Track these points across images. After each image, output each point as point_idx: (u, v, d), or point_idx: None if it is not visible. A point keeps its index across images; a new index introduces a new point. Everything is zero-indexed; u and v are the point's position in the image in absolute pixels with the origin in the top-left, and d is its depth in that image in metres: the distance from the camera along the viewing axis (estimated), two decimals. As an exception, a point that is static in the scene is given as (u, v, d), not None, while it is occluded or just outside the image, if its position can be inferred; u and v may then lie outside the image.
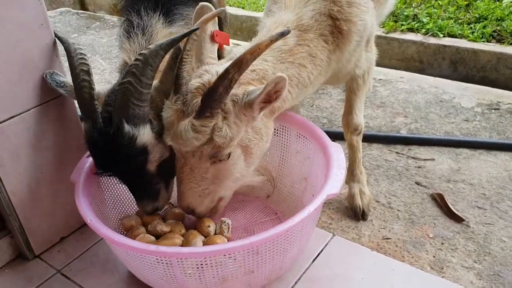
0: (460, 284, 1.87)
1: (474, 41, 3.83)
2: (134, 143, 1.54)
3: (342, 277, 1.69)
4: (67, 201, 1.99)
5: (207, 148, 1.47)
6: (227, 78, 1.37)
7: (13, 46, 1.68)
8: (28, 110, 1.78)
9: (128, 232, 1.81)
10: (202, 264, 1.47)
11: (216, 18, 1.68)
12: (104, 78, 4.17)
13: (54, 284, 1.84)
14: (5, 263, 1.95)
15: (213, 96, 1.40)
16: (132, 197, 2.06)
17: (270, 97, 1.45)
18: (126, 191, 2.05)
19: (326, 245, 1.83)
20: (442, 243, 2.13)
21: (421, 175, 2.58)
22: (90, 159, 1.87)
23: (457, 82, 3.48)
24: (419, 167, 2.64)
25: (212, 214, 1.74)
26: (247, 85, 1.53)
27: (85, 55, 1.63)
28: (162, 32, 1.83)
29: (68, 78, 1.74)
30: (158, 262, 1.47)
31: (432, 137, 2.84)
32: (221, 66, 1.54)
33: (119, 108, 1.52)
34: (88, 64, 1.62)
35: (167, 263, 1.47)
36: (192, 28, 1.52)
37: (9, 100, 1.72)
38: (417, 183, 2.52)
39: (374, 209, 2.36)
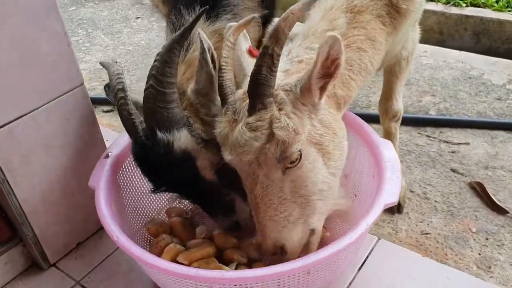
0: (516, 288, 1.73)
1: (499, 10, 3.61)
2: (171, 149, 1.40)
3: (394, 288, 1.54)
4: (84, 204, 1.81)
5: (271, 148, 1.24)
6: (267, 55, 1.18)
7: (20, 36, 1.46)
8: (38, 108, 1.58)
9: (154, 241, 1.64)
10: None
11: (246, 33, 1.52)
12: (108, 55, 3.92)
13: (74, 298, 1.68)
14: (17, 273, 1.78)
15: (259, 81, 1.20)
16: (153, 198, 1.91)
17: (328, 68, 1.23)
18: (146, 194, 1.87)
19: (372, 250, 1.67)
20: (487, 239, 1.98)
21: (456, 161, 2.41)
22: (108, 160, 1.68)
23: (484, 56, 3.27)
24: (453, 152, 2.47)
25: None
26: (297, 74, 1.34)
27: (121, 74, 1.56)
28: (205, 29, 1.64)
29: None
30: (197, 286, 1.31)
31: (464, 119, 2.66)
32: None
33: (147, 115, 1.41)
34: (123, 82, 1.52)
35: (207, 287, 1.30)
36: (199, 13, 1.37)
37: (17, 97, 1.52)
38: (453, 170, 2.35)
39: (409, 200, 2.20)
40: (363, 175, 1.70)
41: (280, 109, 1.25)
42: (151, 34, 4.24)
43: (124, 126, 1.50)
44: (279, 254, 1.34)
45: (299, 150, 1.26)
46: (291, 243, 1.33)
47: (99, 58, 3.86)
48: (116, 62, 3.68)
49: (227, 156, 1.31)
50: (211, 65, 1.42)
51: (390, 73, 1.96)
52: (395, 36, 1.58)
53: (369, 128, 1.66)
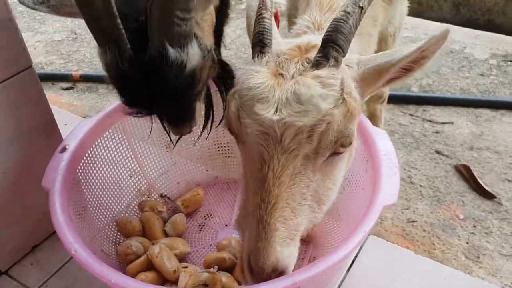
0: (509, 286, 1.65)
1: (480, -20, 3.47)
2: (183, 71, 1.15)
3: (386, 291, 1.42)
4: (38, 203, 1.60)
5: (339, 116, 0.98)
6: (357, 5, 1.00)
7: None
8: (-23, 96, 1.35)
9: (121, 249, 1.48)
10: None
11: None
12: (66, 26, 3.60)
13: (30, 310, 1.48)
14: (-37, 283, 1.58)
15: (343, 30, 1.00)
16: (119, 194, 1.71)
17: (415, 63, 1.05)
18: (111, 189, 1.67)
19: (361, 248, 1.55)
20: (475, 226, 1.90)
21: (441, 142, 2.30)
22: (65, 155, 1.46)
23: (466, 29, 3.15)
24: (437, 132, 2.36)
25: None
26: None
27: None
28: None
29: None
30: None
31: (448, 96, 2.55)
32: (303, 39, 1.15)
33: (159, 25, 1.10)
34: None
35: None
36: None
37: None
38: (438, 152, 2.25)
39: (394, 185, 2.08)
40: (353, 167, 1.55)
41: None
42: (113, 2, 3.93)
43: (96, 29, 1.14)
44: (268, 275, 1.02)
45: (354, 133, 1.06)
46: (291, 265, 1.03)
47: (56, 29, 3.55)
48: (75, 34, 3.39)
49: (269, 116, 0.98)
50: None
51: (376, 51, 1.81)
52: (390, 12, 1.42)
53: (363, 118, 1.49)
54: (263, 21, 1.10)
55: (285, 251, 1.01)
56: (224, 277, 1.37)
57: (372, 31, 1.32)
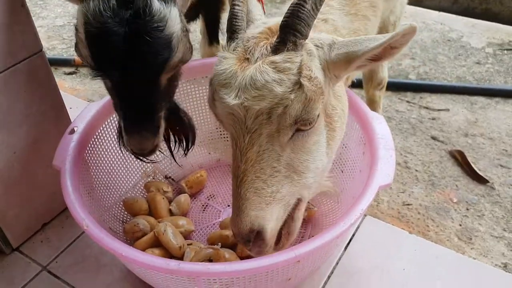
0: (499, 266, 1.72)
1: (478, -31, 3.50)
2: (164, 28, 1.11)
3: (381, 269, 1.49)
4: (48, 183, 1.66)
5: (294, 101, 1.03)
6: None
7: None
8: (-10, 78, 1.39)
9: (129, 227, 1.54)
10: (233, 280, 1.22)
11: None
12: (68, 11, 3.62)
13: (41, 285, 1.54)
14: (-23, 259, 1.63)
15: (300, 14, 1.03)
16: (126, 174, 1.77)
17: (384, 53, 1.08)
18: (118, 170, 1.73)
19: (358, 228, 1.61)
20: (467, 209, 1.96)
21: (437, 128, 2.36)
22: (74, 136, 1.51)
23: (463, 18, 3.20)
24: (433, 118, 2.42)
25: (280, 247, 1.22)
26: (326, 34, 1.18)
27: None
28: None
29: None
30: (177, 279, 1.22)
31: (444, 84, 2.60)
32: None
33: None
34: None
35: (189, 280, 1.21)
36: None
37: (-36, 68, 1.32)
38: (434, 138, 2.31)
39: (390, 169, 2.14)
40: (351, 150, 1.61)
41: (308, 55, 1.08)
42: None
43: None
44: (252, 241, 1.12)
45: (318, 115, 1.09)
46: (270, 227, 1.12)
47: (58, 14, 3.57)
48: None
49: (230, 100, 1.05)
50: None
51: None
52: (391, 1, 1.46)
53: (358, 99, 1.55)
54: (234, 8, 1.15)
55: (259, 214, 1.09)
56: (227, 253, 1.43)
57: (368, 14, 1.34)
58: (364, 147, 1.47)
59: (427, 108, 2.49)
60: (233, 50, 1.12)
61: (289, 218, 1.20)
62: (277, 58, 1.04)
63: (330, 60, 1.11)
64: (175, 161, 1.63)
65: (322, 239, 1.15)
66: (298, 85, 1.04)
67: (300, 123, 1.07)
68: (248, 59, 1.08)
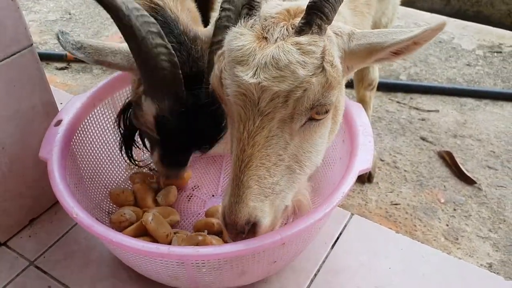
0: (484, 266, 1.74)
1: (471, -29, 3.53)
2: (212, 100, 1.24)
3: (366, 267, 1.50)
4: (36, 178, 1.66)
5: (316, 85, 0.99)
6: None
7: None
8: (-21, 73, 1.39)
9: (115, 217, 1.55)
10: (221, 263, 1.24)
11: None
12: (60, 6, 3.60)
13: (28, 280, 1.54)
14: (-35, 253, 1.62)
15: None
16: (112, 166, 1.79)
17: (407, 47, 1.06)
18: (104, 162, 1.75)
19: (345, 226, 1.62)
20: (455, 209, 1.99)
21: (426, 129, 2.38)
22: (60, 128, 1.52)
23: (455, 20, 3.22)
24: (423, 119, 2.44)
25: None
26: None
27: (143, 10, 1.22)
28: None
29: (81, 37, 1.39)
30: (167, 263, 1.24)
31: (435, 85, 2.62)
32: (296, 2, 1.14)
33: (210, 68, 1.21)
34: (155, 23, 1.22)
35: (178, 264, 1.23)
36: None
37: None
38: (423, 139, 2.33)
39: (379, 169, 2.17)
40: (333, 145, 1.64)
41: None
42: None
43: (157, 83, 1.26)
44: (246, 233, 1.09)
45: (334, 102, 1.06)
46: (266, 222, 1.09)
47: (51, 8, 3.55)
48: (69, 14, 3.41)
49: (247, 79, 1.00)
50: None
51: None
52: (383, 3, 1.47)
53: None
54: None
55: (258, 206, 1.06)
56: (214, 240, 1.45)
57: (364, 11, 1.35)
58: (344, 135, 1.50)
59: (417, 109, 2.51)
60: (251, 27, 1.06)
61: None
62: (302, 39, 1.00)
63: (348, 50, 1.09)
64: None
65: (306, 221, 1.19)
66: (321, 69, 1.00)
67: (317, 109, 1.03)
68: (266, 38, 1.03)
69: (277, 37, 1.02)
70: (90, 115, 1.69)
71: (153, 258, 1.24)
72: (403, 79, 2.71)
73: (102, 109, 1.73)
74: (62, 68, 2.90)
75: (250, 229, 1.09)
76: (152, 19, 1.23)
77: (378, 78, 2.01)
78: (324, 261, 1.52)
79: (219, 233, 1.53)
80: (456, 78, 2.71)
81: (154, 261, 1.27)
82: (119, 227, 1.55)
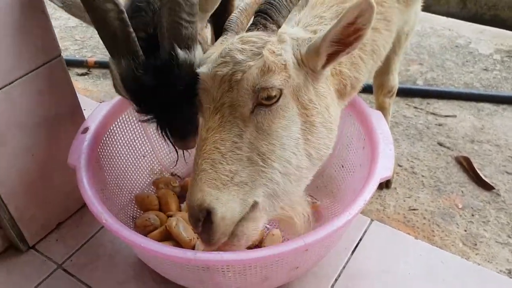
0: (503, 272, 1.75)
1: (487, -25, 3.52)
2: (192, 70, 1.22)
3: (387, 272, 1.53)
4: (63, 183, 1.71)
5: (252, 68, 1.08)
6: None
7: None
8: (11, 82, 1.44)
9: (140, 221, 1.60)
10: (245, 269, 1.27)
11: None
12: (77, 12, 3.66)
13: (56, 283, 1.59)
14: (-6, 256, 1.68)
15: (272, 2, 1.13)
16: (136, 173, 1.82)
17: (348, 36, 1.09)
18: (128, 169, 1.78)
19: (365, 232, 1.65)
20: (473, 215, 1.99)
21: (443, 134, 2.39)
22: (87, 135, 1.57)
23: (471, 24, 3.21)
24: (440, 124, 2.45)
25: (227, 245, 1.16)
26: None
27: None
28: None
29: None
30: (193, 268, 1.28)
31: (452, 90, 2.63)
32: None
33: (168, 31, 1.20)
34: None
35: (204, 269, 1.27)
36: None
37: (-13, 72, 1.37)
38: (440, 144, 2.34)
39: (397, 174, 2.18)
40: (351, 145, 1.68)
41: (281, 42, 1.15)
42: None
43: (109, 41, 1.24)
44: (202, 224, 1.08)
45: (280, 89, 1.11)
46: (222, 211, 1.07)
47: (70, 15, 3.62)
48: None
49: (202, 69, 1.16)
50: None
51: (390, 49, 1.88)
52: (406, 14, 1.48)
53: (357, 97, 1.60)
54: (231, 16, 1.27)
55: (213, 192, 1.07)
56: None
57: (380, 27, 1.36)
58: (364, 142, 1.52)
59: (434, 114, 2.52)
60: (221, 42, 1.22)
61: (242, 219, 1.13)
62: (245, 34, 1.14)
63: (304, 52, 1.16)
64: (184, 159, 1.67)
65: (329, 228, 1.22)
66: (259, 55, 1.09)
67: (260, 93, 1.09)
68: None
69: (232, 41, 1.15)
70: (115, 122, 1.74)
71: (179, 263, 1.28)
72: (420, 84, 2.72)
73: (126, 116, 1.78)
74: (82, 74, 2.95)
75: (206, 218, 1.08)
76: None
77: (398, 84, 2.02)
78: (344, 267, 1.54)
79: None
80: (473, 83, 2.72)
81: (180, 265, 1.31)
82: (144, 231, 1.59)
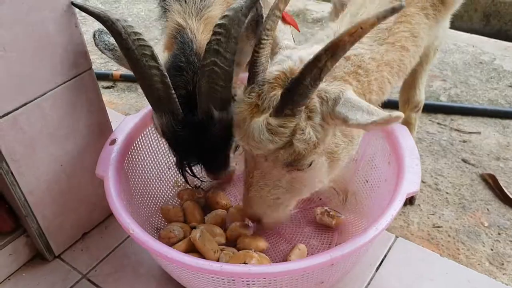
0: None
1: (511, -8, 3.50)
2: (227, 126, 1.35)
3: (413, 290, 1.51)
4: (90, 193, 1.74)
5: (284, 154, 1.20)
6: (317, 67, 1.07)
7: (24, 16, 1.34)
8: (43, 94, 1.48)
9: (164, 233, 1.61)
10: (271, 282, 1.28)
11: None
12: (104, 27, 3.74)
13: (81, 291, 1.61)
14: (21, 265, 1.71)
15: (297, 89, 1.11)
16: (160, 185, 1.85)
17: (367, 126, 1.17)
18: (153, 180, 1.81)
19: (390, 249, 1.63)
20: (499, 233, 1.96)
21: (468, 151, 2.36)
22: (114, 147, 1.60)
23: (495, 40, 3.19)
24: (464, 141, 2.43)
25: (274, 227, 1.51)
26: (341, 81, 1.23)
27: (141, 34, 1.33)
28: None
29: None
30: (218, 280, 1.28)
31: (476, 107, 2.60)
32: (305, 51, 1.25)
33: (206, 94, 1.32)
34: (150, 46, 1.32)
35: (229, 281, 1.27)
36: None
37: (22, 84, 1.41)
38: (464, 161, 2.31)
39: (421, 191, 2.16)
40: (375, 160, 1.67)
41: (309, 117, 1.18)
42: (151, 5, 4.07)
43: (153, 100, 1.36)
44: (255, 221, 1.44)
45: (311, 162, 1.24)
46: (268, 219, 1.42)
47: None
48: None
49: (238, 140, 1.29)
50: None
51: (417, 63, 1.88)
52: (435, 29, 1.49)
53: None
54: (259, 50, 1.24)
55: (259, 210, 1.39)
56: (260, 257, 1.50)
57: (408, 45, 1.36)
58: (390, 157, 1.52)
59: (458, 130, 2.50)
60: (248, 94, 1.25)
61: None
62: (273, 122, 1.17)
63: (332, 114, 1.19)
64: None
65: (355, 243, 1.23)
66: (290, 144, 1.18)
67: (292, 167, 1.24)
68: (258, 105, 1.22)
69: (265, 108, 1.21)
70: (141, 135, 1.77)
71: (205, 274, 1.28)
72: (444, 100, 2.70)
73: (152, 129, 1.82)
74: (108, 87, 3.01)
75: (257, 221, 1.45)
76: (148, 43, 1.33)
77: (424, 100, 2.02)
78: (369, 283, 1.53)
79: (264, 251, 1.57)
80: (498, 99, 2.69)
81: (205, 277, 1.31)
82: (168, 242, 1.60)
